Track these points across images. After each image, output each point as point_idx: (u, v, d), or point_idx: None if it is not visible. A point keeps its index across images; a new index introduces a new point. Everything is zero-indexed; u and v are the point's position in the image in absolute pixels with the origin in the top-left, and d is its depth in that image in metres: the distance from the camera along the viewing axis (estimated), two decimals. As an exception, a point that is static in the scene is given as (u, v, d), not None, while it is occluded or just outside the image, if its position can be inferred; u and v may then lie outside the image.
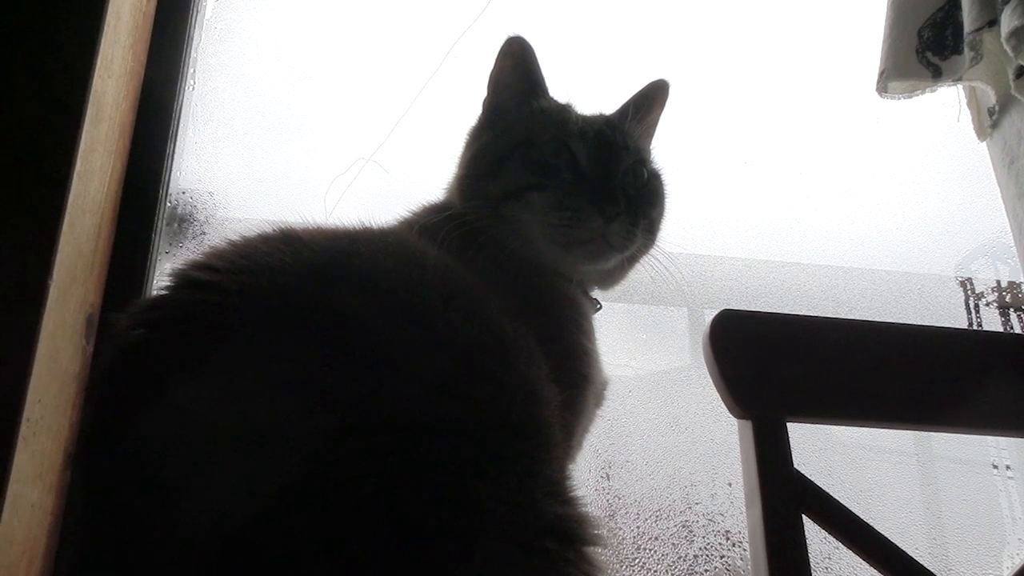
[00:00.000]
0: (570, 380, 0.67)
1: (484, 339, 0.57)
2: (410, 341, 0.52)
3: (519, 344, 0.60)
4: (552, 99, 0.85)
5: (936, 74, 1.11)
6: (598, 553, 0.54)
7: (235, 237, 0.61)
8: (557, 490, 0.55)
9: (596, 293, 0.85)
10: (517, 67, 0.83)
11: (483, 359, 0.56)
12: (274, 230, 0.61)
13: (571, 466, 0.71)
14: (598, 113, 0.86)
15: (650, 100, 0.88)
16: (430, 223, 0.77)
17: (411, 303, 0.55)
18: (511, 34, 0.81)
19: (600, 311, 0.83)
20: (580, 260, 0.77)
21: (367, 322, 0.52)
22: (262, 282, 0.52)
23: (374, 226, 0.70)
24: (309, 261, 0.55)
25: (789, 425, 0.72)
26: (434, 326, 0.55)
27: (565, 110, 0.84)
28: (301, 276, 0.54)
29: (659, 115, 0.89)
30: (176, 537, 0.44)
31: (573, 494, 0.56)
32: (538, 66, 0.84)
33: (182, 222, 1.14)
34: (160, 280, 0.59)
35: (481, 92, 0.85)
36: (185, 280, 0.56)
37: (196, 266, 0.57)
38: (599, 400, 0.78)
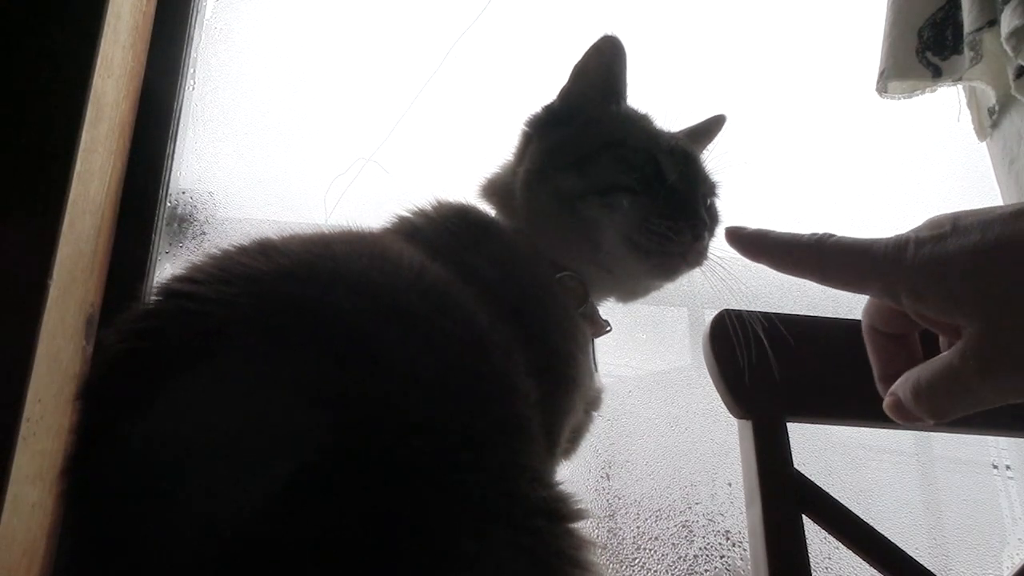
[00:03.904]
0: (555, 379, 0.67)
1: (461, 333, 0.57)
2: (386, 337, 0.53)
3: (495, 338, 0.60)
4: (632, 107, 0.84)
5: (936, 74, 1.11)
6: (585, 529, 0.55)
7: (215, 250, 0.61)
8: (540, 478, 0.55)
9: (609, 307, 0.84)
10: (607, 66, 0.81)
11: (461, 353, 0.56)
12: (252, 241, 0.61)
13: (558, 467, 0.71)
14: (671, 131, 0.85)
15: (711, 132, 0.89)
16: (435, 222, 0.76)
17: (386, 299, 0.55)
18: (608, 33, 0.79)
19: (609, 324, 0.82)
20: (651, 272, 0.76)
21: (342, 319, 0.52)
22: (237, 290, 0.53)
23: (353, 228, 0.70)
24: (282, 266, 0.55)
25: (789, 425, 0.72)
26: (410, 321, 0.55)
27: (648, 120, 0.83)
28: (274, 281, 0.54)
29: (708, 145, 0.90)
30: (169, 544, 0.44)
31: (556, 483, 0.57)
32: (625, 72, 0.82)
33: (182, 222, 1.14)
34: (159, 281, 0.59)
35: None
36: (168, 292, 0.56)
37: (178, 279, 0.57)
38: (593, 405, 0.78)
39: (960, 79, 1.11)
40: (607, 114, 0.81)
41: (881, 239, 0.45)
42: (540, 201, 0.77)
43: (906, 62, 1.12)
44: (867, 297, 0.51)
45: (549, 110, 0.83)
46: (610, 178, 0.74)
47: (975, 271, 0.40)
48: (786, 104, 1.37)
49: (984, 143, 1.23)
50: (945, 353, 0.42)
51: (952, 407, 0.43)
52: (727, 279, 0.75)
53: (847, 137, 1.38)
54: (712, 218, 0.81)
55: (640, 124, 0.82)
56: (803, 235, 0.48)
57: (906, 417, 0.45)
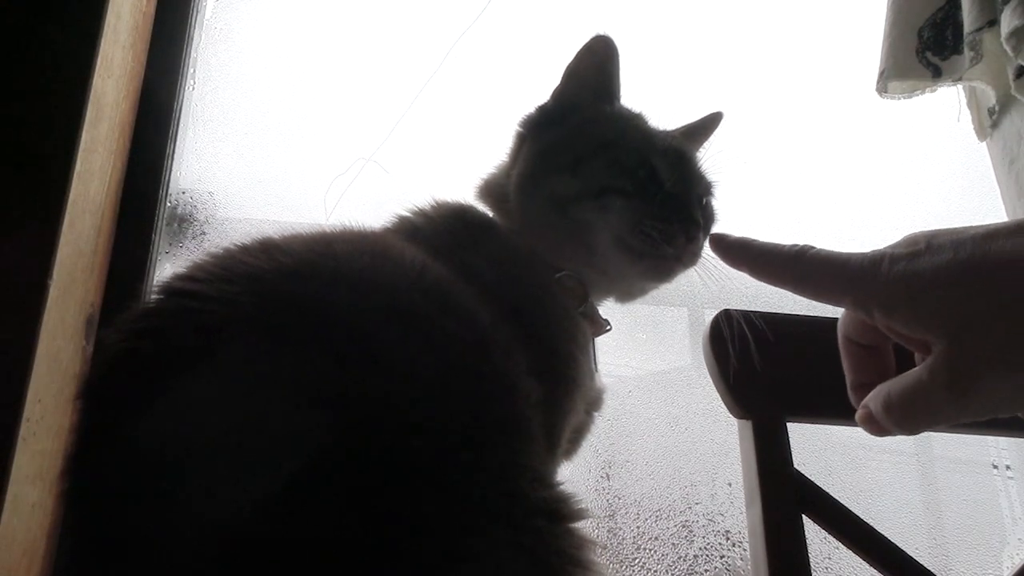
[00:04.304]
0: (555, 380, 0.66)
1: (463, 332, 0.57)
2: (387, 336, 0.53)
3: (496, 338, 0.60)
4: (625, 106, 0.83)
5: (936, 74, 1.11)
6: (586, 528, 0.55)
7: (217, 249, 0.61)
8: (541, 478, 0.55)
9: (609, 307, 0.84)
10: (599, 66, 0.80)
11: (462, 352, 0.56)
12: (254, 240, 0.61)
13: (559, 468, 0.71)
14: (664, 129, 0.85)
15: (707, 129, 0.89)
16: (434, 222, 0.76)
17: (388, 298, 0.55)
18: (600, 32, 0.78)
19: (609, 323, 0.82)
20: (645, 274, 0.76)
21: (344, 318, 0.52)
22: (239, 288, 0.53)
23: (354, 227, 0.69)
24: (284, 265, 0.55)
25: (789, 425, 0.72)
26: (411, 321, 0.55)
27: (642, 119, 0.83)
28: (277, 280, 0.54)
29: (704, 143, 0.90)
30: (170, 544, 0.44)
31: (557, 484, 0.57)
32: (618, 72, 0.81)
33: (182, 222, 1.14)
34: (160, 280, 0.59)
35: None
36: (169, 291, 0.56)
37: (179, 277, 0.57)
38: (594, 406, 0.78)
39: (960, 79, 1.11)
40: (600, 115, 0.80)
41: (858, 254, 0.46)
42: (534, 204, 0.76)
43: (906, 62, 1.12)
44: None
45: (542, 111, 0.83)
46: (603, 181, 0.74)
47: (944, 290, 0.41)
48: (786, 104, 1.37)
49: (984, 143, 1.23)
50: (915, 368, 0.43)
51: (920, 422, 0.44)
52: (722, 279, 0.75)
53: (847, 137, 1.38)
54: (707, 218, 0.81)
55: (634, 124, 0.81)
56: (784, 246, 0.49)
57: (877, 429, 0.46)
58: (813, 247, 0.48)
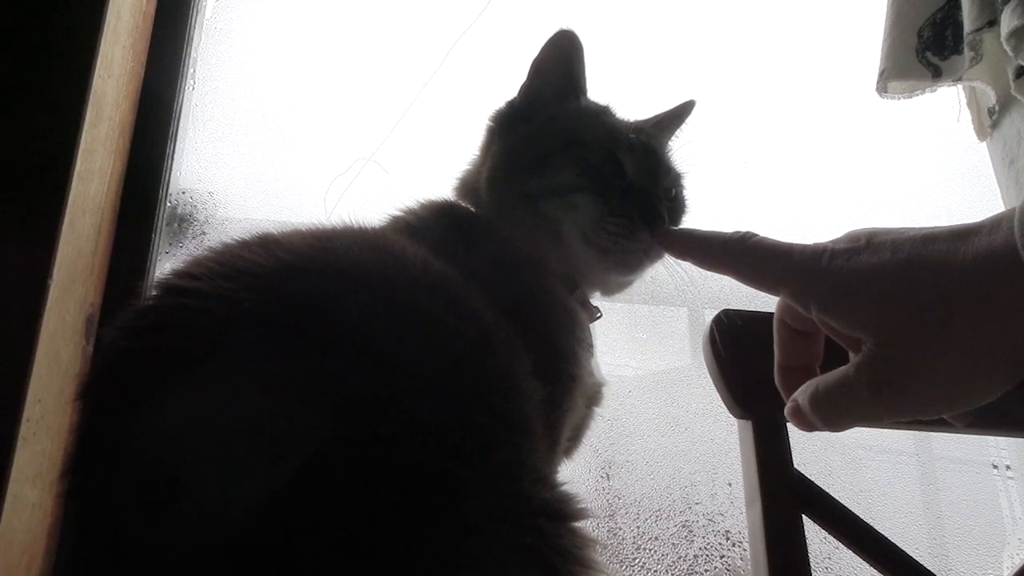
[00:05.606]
0: (556, 378, 0.67)
1: (467, 329, 0.57)
2: (391, 331, 0.52)
3: (501, 336, 0.60)
4: (592, 100, 0.84)
5: (936, 74, 1.11)
6: (587, 528, 0.55)
7: (216, 244, 0.61)
8: (543, 477, 0.55)
9: (609, 307, 0.84)
10: (564, 60, 0.81)
11: (467, 349, 0.56)
12: (253, 236, 0.61)
13: (559, 466, 0.71)
14: (633, 120, 0.85)
15: (679, 119, 0.89)
16: (425, 220, 0.76)
17: (390, 294, 0.55)
18: (563, 27, 0.79)
19: (599, 310, 0.83)
20: (613, 269, 0.77)
21: (346, 315, 0.52)
22: (238, 285, 0.53)
23: (354, 224, 0.69)
24: (284, 261, 0.55)
25: (789, 425, 0.72)
26: (415, 316, 0.55)
27: (608, 113, 0.83)
28: (276, 276, 0.54)
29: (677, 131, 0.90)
30: (171, 544, 0.44)
31: (559, 483, 0.57)
32: (583, 64, 0.82)
33: (182, 222, 1.14)
34: (159, 276, 0.59)
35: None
36: (167, 288, 0.56)
37: (177, 274, 0.57)
38: (595, 401, 0.78)
39: (960, 79, 1.11)
40: (566, 111, 0.81)
41: (801, 245, 0.45)
42: (504, 201, 0.77)
43: (906, 62, 1.12)
44: None
45: (511, 106, 0.83)
46: (567, 179, 0.75)
47: (877, 289, 0.41)
48: (786, 104, 1.37)
49: (984, 143, 1.23)
50: (844, 366, 0.43)
51: (844, 418, 0.44)
52: (688, 272, 0.76)
53: (847, 137, 1.38)
54: (675, 210, 0.81)
55: (600, 120, 0.82)
56: (726, 233, 0.49)
57: (804, 423, 0.46)
58: (756, 234, 0.48)
